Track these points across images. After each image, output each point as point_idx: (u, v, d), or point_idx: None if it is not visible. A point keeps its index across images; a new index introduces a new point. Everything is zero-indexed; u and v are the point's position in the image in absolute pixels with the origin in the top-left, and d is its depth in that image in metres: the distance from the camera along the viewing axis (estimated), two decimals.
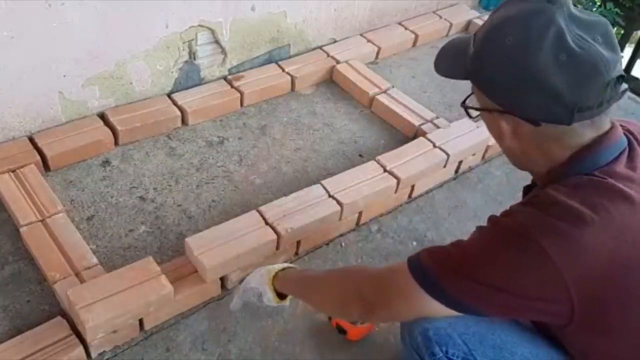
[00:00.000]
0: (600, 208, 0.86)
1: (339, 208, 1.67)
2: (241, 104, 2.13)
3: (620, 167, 0.91)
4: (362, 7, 2.44)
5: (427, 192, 1.95)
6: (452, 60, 1.02)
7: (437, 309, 0.95)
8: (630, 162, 0.93)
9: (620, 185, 0.89)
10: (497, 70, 0.90)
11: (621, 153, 0.93)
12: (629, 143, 0.95)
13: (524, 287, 0.88)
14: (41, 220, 1.57)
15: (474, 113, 1.01)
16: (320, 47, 2.39)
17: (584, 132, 0.91)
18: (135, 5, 1.77)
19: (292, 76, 2.23)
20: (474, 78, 0.95)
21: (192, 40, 1.99)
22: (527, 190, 1.14)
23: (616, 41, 0.90)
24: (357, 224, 1.80)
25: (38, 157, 1.73)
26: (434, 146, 1.92)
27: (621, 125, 0.97)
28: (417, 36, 2.60)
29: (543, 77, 0.85)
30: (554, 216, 0.87)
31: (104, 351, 1.38)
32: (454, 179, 2.00)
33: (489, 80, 0.92)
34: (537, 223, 0.87)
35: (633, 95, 2.59)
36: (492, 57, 0.90)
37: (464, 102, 1.02)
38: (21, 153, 1.72)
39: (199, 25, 1.97)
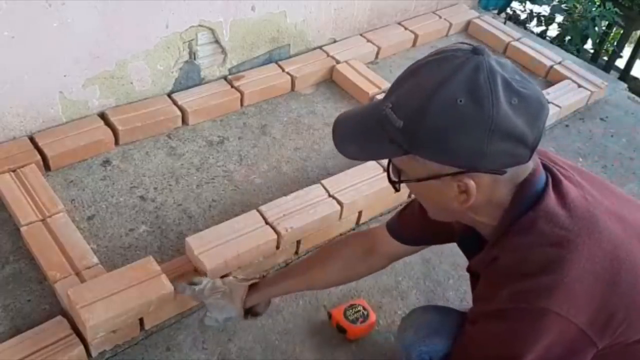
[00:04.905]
0: (565, 242, 0.88)
1: (338, 208, 1.67)
2: (241, 104, 2.13)
3: (550, 192, 0.92)
4: (362, 7, 2.45)
5: None
6: (367, 139, 0.93)
7: None
8: (555, 183, 0.94)
9: (565, 212, 0.90)
10: (455, 133, 0.84)
11: (546, 179, 0.94)
12: (547, 168, 0.96)
13: (548, 352, 0.88)
14: (42, 220, 1.57)
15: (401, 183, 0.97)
16: (320, 47, 2.39)
17: (529, 166, 0.91)
18: (135, 5, 1.78)
19: (292, 76, 2.23)
20: (417, 149, 0.88)
21: (192, 40, 1.99)
22: (471, 246, 1.07)
23: None
24: (357, 223, 1.80)
25: (38, 157, 1.73)
26: None
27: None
28: (416, 36, 2.60)
29: (506, 125, 0.83)
30: (531, 275, 0.87)
31: (105, 350, 1.39)
32: None
33: (443, 146, 0.85)
34: (524, 292, 0.87)
35: (632, 95, 2.60)
36: (443, 123, 0.83)
37: (398, 178, 0.96)
38: (22, 153, 1.73)
39: (199, 25, 1.97)
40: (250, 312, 1.36)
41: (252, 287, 1.33)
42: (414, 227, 1.12)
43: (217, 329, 1.43)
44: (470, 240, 1.06)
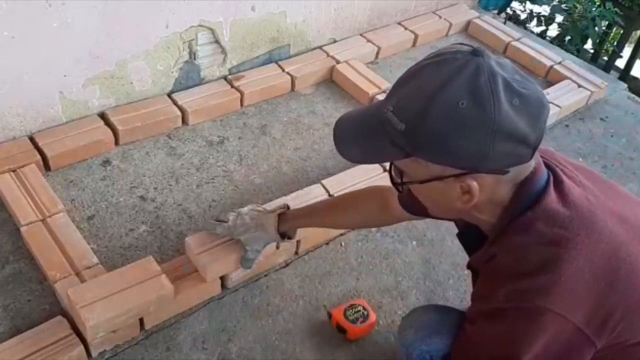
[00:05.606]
0: (563, 241, 0.88)
1: None
2: (241, 104, 2.13)
3: (551, 191, 0.92)
4: (362, 7, 2.45)
5: None
6: (368, 142, 0.94)
7: None
8: (556, 182, 0.94)
9: (565, 211, 0.91)
10: (457, 136, 0.84)
11: (548, 178, 0.94)
12: (550, 167, 0.96)
13: (546, 351, 0.89)
14: (42, 220, 1.57)
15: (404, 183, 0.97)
16: (320, 47, 2.39)
17: (531, 164, 0.92)
18: (135, 5, 1.78)
19: (292, 76, 2.23)
20: (419, 152, 0.88)
21: (192, 40, 1.99)
22: (472, 241, 1.08)
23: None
24: None
25: (38, 157, 1.73)
26: None
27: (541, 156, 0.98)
28: (416, 36, 2.60)
29: (508, 126, 0.83)
30: (529, 274, 0.88)
31: (105, 350, 1.39)
32: None
33: (445, 148, 0.85)
34: (521, 291, 0.88)
35: (632, 95, 2.60)
36: (445, 126, 0.84)
37: (402, 180, 0.96)
38: (22, 153, 1.73)
39: (199, 25, 1.97)
40: (285, 236, 1.45)
41: (281, 216, 1.43)
42: (421, 204, 1.12)
43: (255, 261, 1.48)
44: (470, 235, 1.06)
